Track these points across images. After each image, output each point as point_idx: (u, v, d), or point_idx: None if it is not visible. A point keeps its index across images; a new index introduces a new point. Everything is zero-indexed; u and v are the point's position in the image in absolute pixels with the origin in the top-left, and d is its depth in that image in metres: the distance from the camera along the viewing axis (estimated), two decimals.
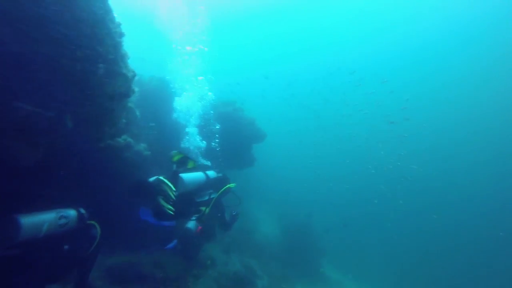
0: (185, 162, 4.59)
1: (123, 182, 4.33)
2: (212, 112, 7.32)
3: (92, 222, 3.29)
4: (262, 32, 33.00)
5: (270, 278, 9.19)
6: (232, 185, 5.06)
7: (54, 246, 2.77)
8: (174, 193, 3.66)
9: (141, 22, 17.96)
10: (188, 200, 4.40)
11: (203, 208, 4.58)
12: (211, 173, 4.85)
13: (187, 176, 4.24)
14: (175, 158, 4.50)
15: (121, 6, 5.29)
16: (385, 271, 16.94)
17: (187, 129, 6.98)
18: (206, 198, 4.68)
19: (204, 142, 6.91)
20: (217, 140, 7.15)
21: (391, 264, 18.23)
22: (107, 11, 3.38)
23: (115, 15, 3.56)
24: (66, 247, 2.84)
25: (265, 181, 19.42)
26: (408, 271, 18.07)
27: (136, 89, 4.38)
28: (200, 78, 7.59)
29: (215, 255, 7.58)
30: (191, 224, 5.10)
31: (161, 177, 3.75)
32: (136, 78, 4.22)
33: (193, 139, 6.90)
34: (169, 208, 3.54)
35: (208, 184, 4.69)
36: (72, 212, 2.92)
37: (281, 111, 33.98)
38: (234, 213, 5.42)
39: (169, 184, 3.67)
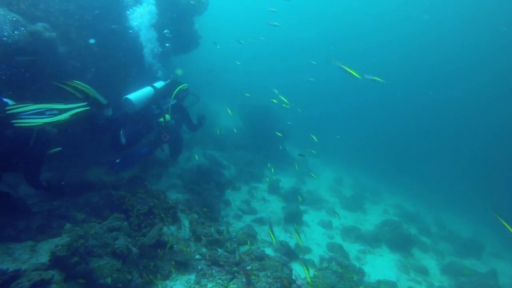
0: None
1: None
2: None
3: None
4: None
5: (236, 166, 9.28)
6: (183, 86, 5.10)
7: None
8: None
9: None
10: (147, 116, 4.63)
11: (167, 116, 4.79)
12: (159, 84, 4.90)
13: (134, 96, 4.40)
14: None
15: None
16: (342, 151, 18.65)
17: None
18: (167, 106, 4.88)
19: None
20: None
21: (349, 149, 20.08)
22: None
23: None
24: None
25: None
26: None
27: None
28: None
29: None
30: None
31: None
32: None
33: None
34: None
35: (160, 95, 4.79)
36: None
37: None
38: (200, 117, 5.59)
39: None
